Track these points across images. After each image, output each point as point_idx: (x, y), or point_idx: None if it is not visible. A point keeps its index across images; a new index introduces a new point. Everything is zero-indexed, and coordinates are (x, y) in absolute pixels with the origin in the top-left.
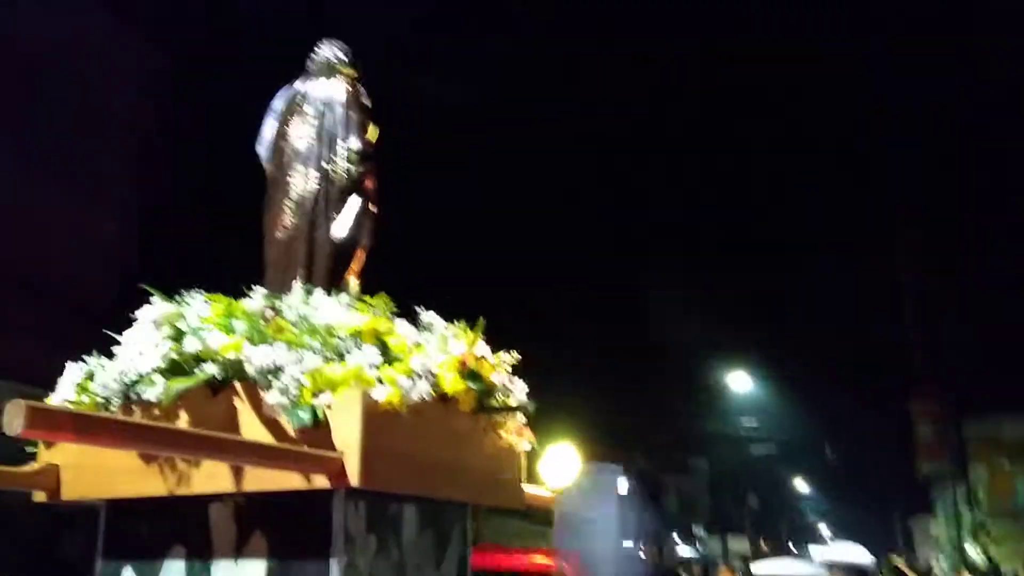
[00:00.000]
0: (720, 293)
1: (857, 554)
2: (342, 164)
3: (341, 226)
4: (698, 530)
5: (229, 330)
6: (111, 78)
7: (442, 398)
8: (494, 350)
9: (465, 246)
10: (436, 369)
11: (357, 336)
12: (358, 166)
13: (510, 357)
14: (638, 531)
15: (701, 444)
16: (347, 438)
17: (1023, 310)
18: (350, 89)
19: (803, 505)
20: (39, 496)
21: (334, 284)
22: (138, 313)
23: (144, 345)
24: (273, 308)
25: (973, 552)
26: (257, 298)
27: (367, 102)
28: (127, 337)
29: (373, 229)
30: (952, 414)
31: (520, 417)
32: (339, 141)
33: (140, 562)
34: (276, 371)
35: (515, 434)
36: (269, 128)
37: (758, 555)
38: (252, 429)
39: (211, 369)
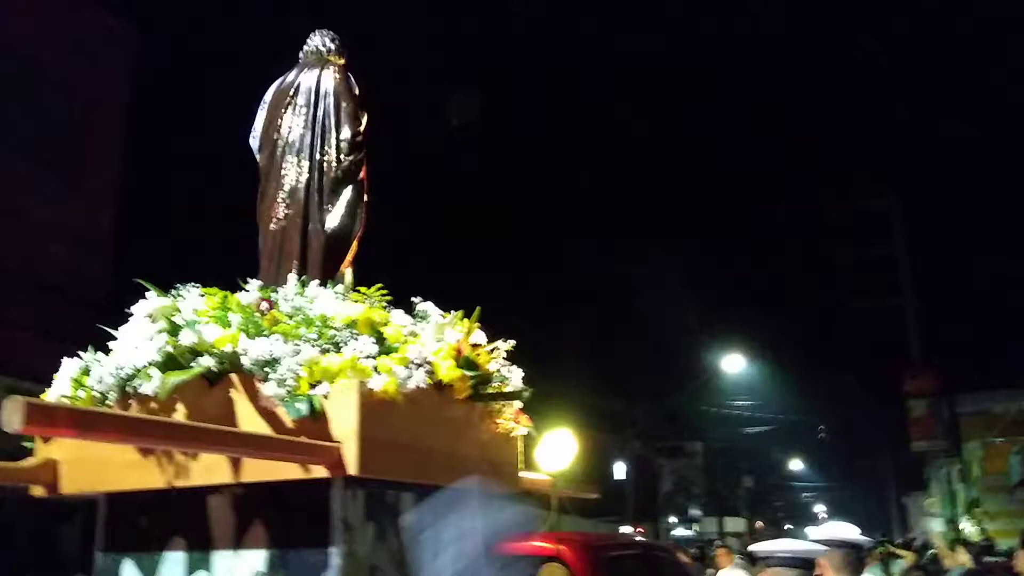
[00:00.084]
0: (715, 275)
1: (852, 532)
2: (334, 154)
3: (334, 217)
4: (694, 511)
5: (225, 323)
6: (100, 69)
7: (438, 386)
8: (490, 338)
9: (460, 234)
10: (432, 358)
11: (352, 326)
12: (350, 156)
13: (505, 344)
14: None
15: (696, 426)
16: (344, 428)
17: (1016, 285)
18: (341, 78)
19: (798, 485)
20: (37, 491)
21: (328, 275)
22: (133, 308)
23: (140, 339)
24: (268, 300)
25: (968, 528)
26: (252, 290)
27: (358, 91)
28: (123, 331)
29: (366, 218)
30: (945, 390)
31: (516, 403)
32: (331, 131)
33: (140, 554)
34: (272, 363)
35: (512, 420)
36: (261, 120)
37: (754, 535)
38: (249, 421)
39: (207, 362)
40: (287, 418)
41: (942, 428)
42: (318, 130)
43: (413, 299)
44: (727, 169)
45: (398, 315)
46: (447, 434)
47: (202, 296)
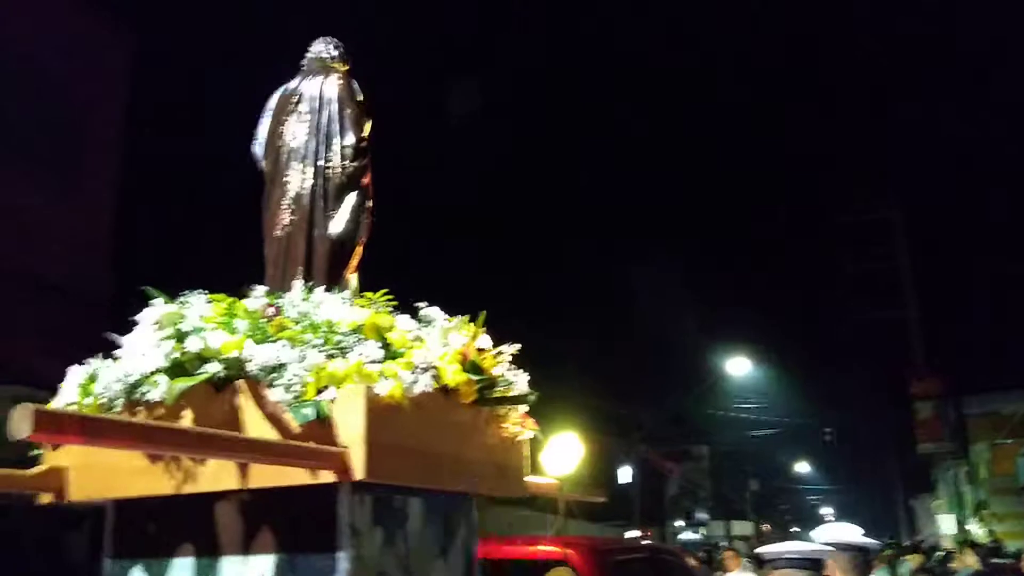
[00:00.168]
0: (717, 275)
1: (855, 534)
2: (338, 160)
3: (339, 222)
4: (701, 515)
5: (231, 329)
6: (100, 70)
7: (444, 391)
8: (495, 342)
9: (465, 239)
10: (437, 362)
11: (358, 331)
12: (354, 162)
13: (511, 348)
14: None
15: (702, 430)
16: (351, 433)
17: (1021, 286)
18: (344, 85)
19: (804, 488)
20: (45, 497)
21: (334, 280)
22: (140, 315)
23: (146, 346)
24: (274, 306)
25: (976, 530)
26: (258, 296)
27: (361, 97)
28: (129, 338)
29: (370, 224)
30: (951, 392)
31: (522, 407)
32: (335, 137)
33: (148, 560)
34: (279, 368)
35: (518, 424)
36: (264, 127)
37: (761, 538)
38: (256, 426)
39: (214, 368)
40: (294, 423)
41: (949, 430)
42: (322, 136)
43: (418, 304)
44: (727, 169)
45: (403, 320)
46: (454, 438)
47: (208, 302)
